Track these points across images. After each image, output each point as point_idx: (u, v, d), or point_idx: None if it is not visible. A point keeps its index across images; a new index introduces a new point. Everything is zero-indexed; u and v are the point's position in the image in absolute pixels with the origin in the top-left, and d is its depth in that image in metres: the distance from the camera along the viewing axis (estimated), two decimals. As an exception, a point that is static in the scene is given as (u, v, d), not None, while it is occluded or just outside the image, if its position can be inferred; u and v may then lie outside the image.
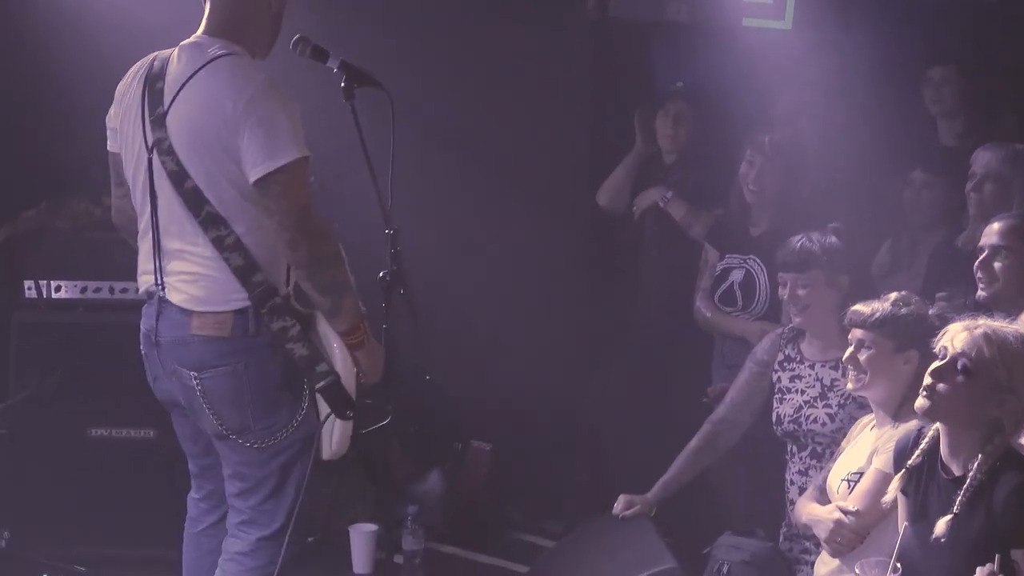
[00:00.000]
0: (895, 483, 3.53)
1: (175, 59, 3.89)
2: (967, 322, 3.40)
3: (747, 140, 5.42)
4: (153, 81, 3.88)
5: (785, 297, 4.70)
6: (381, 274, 3.93)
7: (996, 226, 4.26)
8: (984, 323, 3.38)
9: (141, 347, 4.04)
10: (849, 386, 4.12)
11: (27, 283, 5.55)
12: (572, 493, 6.45)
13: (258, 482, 3.93)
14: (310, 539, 5.85)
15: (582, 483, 6.44)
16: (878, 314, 4.03)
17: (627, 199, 6.13)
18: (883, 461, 3.84)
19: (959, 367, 3.31)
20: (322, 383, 3.81)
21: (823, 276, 4.61)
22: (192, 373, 3.83)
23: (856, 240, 4.87)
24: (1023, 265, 4.18)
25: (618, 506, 4.81)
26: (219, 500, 4.13)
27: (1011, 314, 3.90)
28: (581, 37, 6.68)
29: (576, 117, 6.65)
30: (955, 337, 3.35)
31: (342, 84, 4.03)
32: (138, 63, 4.03)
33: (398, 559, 5.41)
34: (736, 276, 5.45)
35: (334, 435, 3.94)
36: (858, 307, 4.11)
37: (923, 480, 3.46)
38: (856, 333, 4.06)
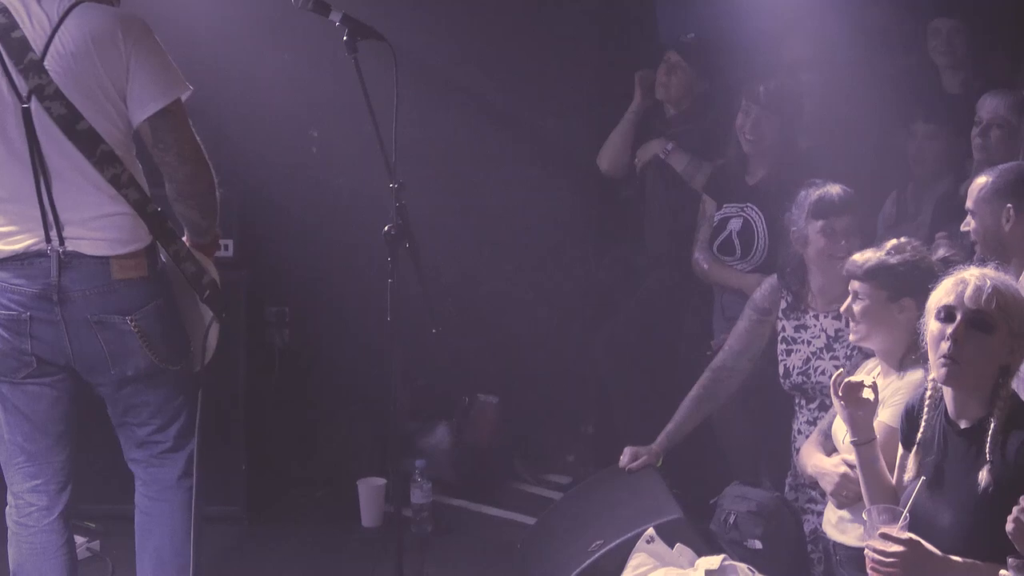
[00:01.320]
0: (911, 462, 3.51)
1: (22, 7, 3.82)
2: (965, 275, 3.35)
3: (743, 90, 5.41)
4: (3, 32, 3.79)
5: (841, 242, 4.54)
6: (386, 228, 3.93)
7: (970, 187, 4.23)
8: (984, 273, 3.34)
9: (15, 310, 3.86)
10: (852, 338, 4.12)
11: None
12: (578, 446, 6.47)
13: (178, 408, 4.09)
14: (319, 493, 5.93)
15: (588, 435, 6.46)
16: (870, 263, 4.00)
17: (627, 159, 6.10)
18: (889, 415, 3.83)
19: (980, 325, 3.27)
20: (207, 292, 4.08)
21: (856, 224, 4.59)
22: (127, 318, 3.89)
23: (860, 190, 4.85)
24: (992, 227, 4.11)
25: (624, 458, 4.83)
26: (59, 486, 4.12)
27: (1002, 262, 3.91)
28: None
29: (581, 71, 6.62)
30: (965, 294, 3.29)
31: (344, 38, 4.02)
32: None
33: (407, 512, 5.45)
34: (734, 225, 5.45)
35: (210, 339, 4.18)
36: (854, 257, 4.09)
37: (934, 436, 3.45)
38: (853, 284, 4.05)
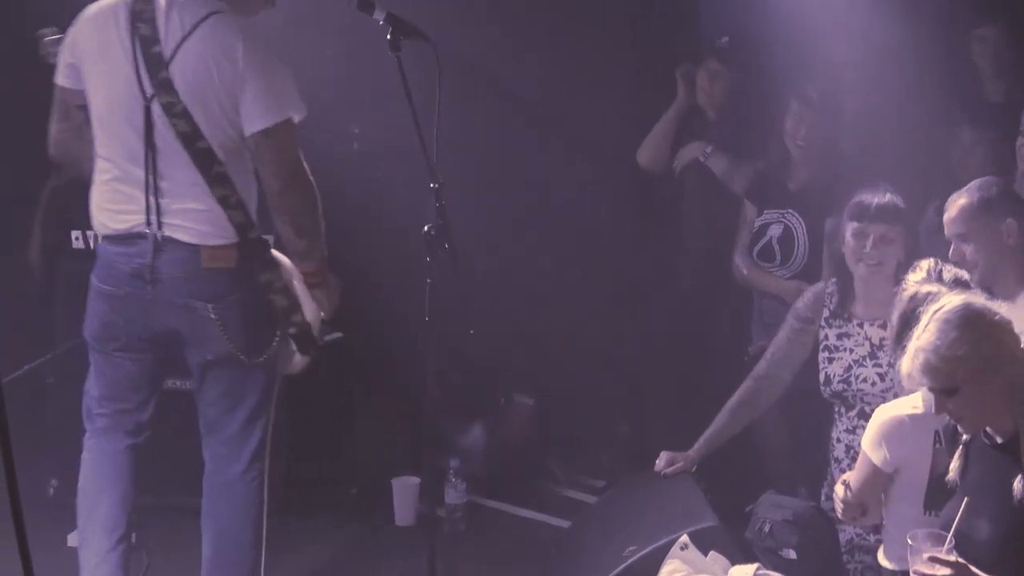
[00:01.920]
0: (954, 464, 3.48)
1: (164, 16, 4.03)
2: (909, 349, 3.33)
3: (790, 94, 5.37)
4: (140, 26, 4.03)
5: (867, 248, 4.53)
6: (426, 228, 3.93)
7: (951, 213, 4.20)
8: (919, 341, 3.30)
9: (112, 287, 4.16)
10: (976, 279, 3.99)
11: (74, 233, 5.58)
12: (613, 448, 6.45)
13: (249, 399, 4.26)
14: (353, 490, 5.93)
15: (623, 439, 6.44)
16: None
17: (667, 156, 6.08)
18: (867, 441, 3.83)
19: (948, 392, 3.27)
20: (294, 330, 4.23)
21: (905, 233, 4.55)
22: (209, 304, 4.07)
23: (902, 196, 4.82)
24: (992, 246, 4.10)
25: (660, 463, 4.80)
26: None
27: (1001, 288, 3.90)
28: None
29: (619, 67, 6.59)
30: (914, 368, 3.29)
31: (388, 36, 4.03)
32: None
33: (440, 511, 5.45)
34: (774, 231, 5.43)
35: (294, 363, 4.39)
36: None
37: (969, 453, 3.44)
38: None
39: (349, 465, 6.07)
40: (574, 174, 6.49)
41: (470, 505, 5.63)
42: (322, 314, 4.34)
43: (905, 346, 3.36)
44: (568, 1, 6.48)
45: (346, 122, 6.38)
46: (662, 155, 6.10)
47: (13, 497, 1.69)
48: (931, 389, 3.33)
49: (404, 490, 5.63)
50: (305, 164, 4.13)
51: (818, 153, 5.34)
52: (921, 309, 3.41)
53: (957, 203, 4.17)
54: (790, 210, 5.38)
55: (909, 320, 3.52)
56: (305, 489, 5.78)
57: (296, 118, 4.09)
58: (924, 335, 3.29)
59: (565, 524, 5.47)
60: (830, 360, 4.67)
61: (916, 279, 3.85)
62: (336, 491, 5.94)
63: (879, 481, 3.80)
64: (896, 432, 3.77)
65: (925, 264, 3.95)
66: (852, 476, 3.90)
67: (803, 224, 5.31)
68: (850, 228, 4.57)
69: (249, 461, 4.27)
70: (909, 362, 3.32)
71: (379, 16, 4.07)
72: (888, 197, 4.55)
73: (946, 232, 4.22)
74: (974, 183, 4.23)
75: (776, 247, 5.39)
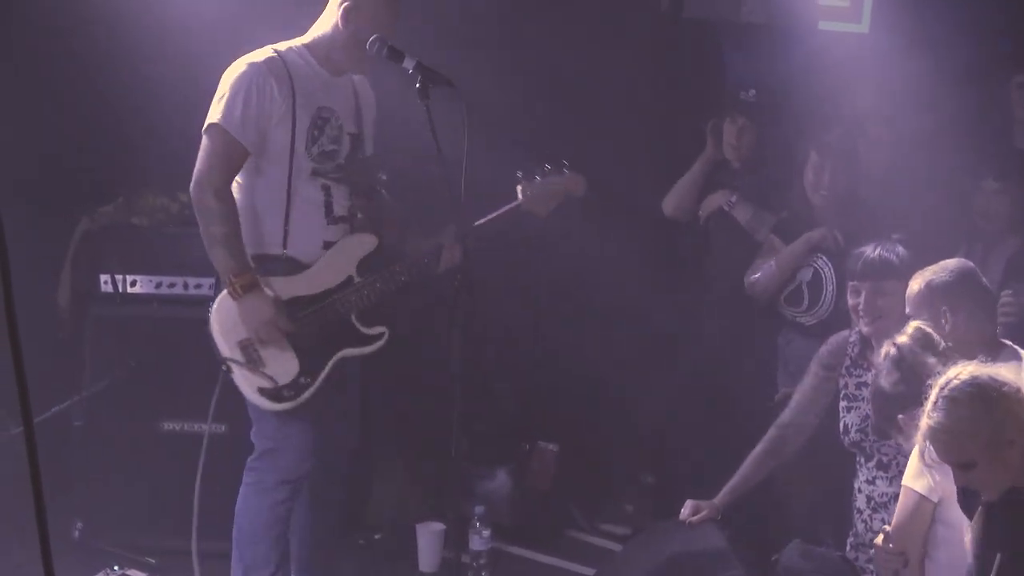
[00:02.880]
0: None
1: None
2: (924, 425, 3.35)
3: (811, 143, 5.40)
4: None
5: (860, 306, 4.64)
6: (451, 273, 3.95)
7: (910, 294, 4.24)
8: (930, 419, 3.32)
9: None
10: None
11: (103, 277, 5.62)
12: (637, 496, 6.43)
13: None
14: (378, 536, 5.92)
15: (647, 486, 6.42)
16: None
17: (692, 206, 6.10)
18: (909, 475, 3.83)
19: (966, 467, 3.30)
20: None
21: (900, 287, 4.55)
22: None
23: (927, 246, 4.82)
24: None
25: (685, 511, 4.79)
26: None
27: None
28: (654, 37, 6.65)
29: (646, 117, 6.63)
30: (928, 448, 3.36)
31: (417, 85, 4.07)
32: None
33: (465, 558, 5.43)
34: (804, 275, 5.45)
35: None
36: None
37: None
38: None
39: (374, 510, 6.05)
40: (599, 223, 6.49)
41: (494, 552, 5.61)
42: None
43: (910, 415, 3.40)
44: (598, 55, 6.51)
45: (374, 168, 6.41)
46: (688, 204, 6.12)
47: (43, 539, 1.70)
48: (952, 468, 3.34)
49: (429, 536, 5.61)
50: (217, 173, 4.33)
51: (839, 201, 5.35)
52: (928, 383, 3.42)
53: (911, 284, 4.25)
54: (821, 255, 5.39)
55: (906, 392, 3.64)
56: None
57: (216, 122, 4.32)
58: (935, 415, 3.30)
59: (589, 572, 5.46)
60: (848, 409, 4.66)
61: (901, 341, 3.94)
62: (361, 536, 5.93)
63: (923, 515, 3.75)
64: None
65: (911, 327, 4.00)
66: (892, 523, 3.88)
67: (832, 270, 5.32)
68: (848, 287, 4.69)
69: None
70: (922, 442, 3.35)
71: (408, 65, 4.12)
72: (878, 252, 4.61)
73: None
74: (942, 264, 4.27)
75: (805, 291, 5.40)
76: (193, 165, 4.37)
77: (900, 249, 4.64)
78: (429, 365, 5.77)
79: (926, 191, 5.45)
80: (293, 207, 4.44)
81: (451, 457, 4.32)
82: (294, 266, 4.46)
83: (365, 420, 6.15)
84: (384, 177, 6.44)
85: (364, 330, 4.58)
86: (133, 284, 5.63)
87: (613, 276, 6.57)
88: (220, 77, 4.39)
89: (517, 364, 6.02)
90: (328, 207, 4.52)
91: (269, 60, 4.38)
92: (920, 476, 3.78)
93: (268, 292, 4.37)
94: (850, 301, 4.69)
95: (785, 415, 4.86)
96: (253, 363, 4.40)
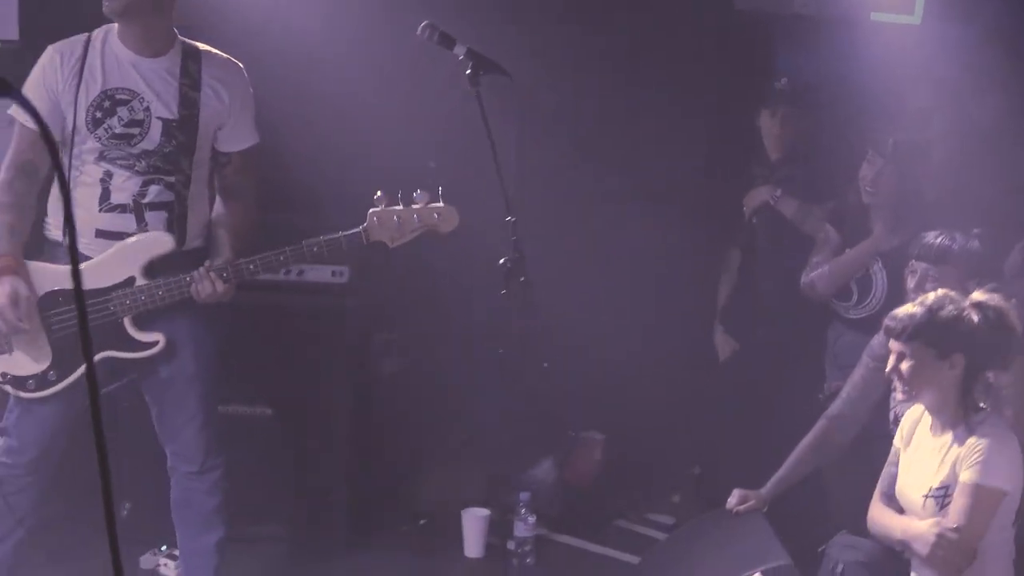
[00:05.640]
0: None
1: None
2: None
3: (868, 139, 5.35)
4: None
5: (912, 285, 4.60)
6: (502, 261, 3.95)
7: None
8: None
9: None
10: (898, 397, 4.02)
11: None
12: (683, 486, 6.42)
13: None
14: (422, 521, 5.94)
15: (693, 477, 6.41)
16: (913, 323, 3.87)
17: None
18: (973, 474, 3.76)
19: None
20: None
21: (955, 275, 4.50)
22: None
23: (992, 242, 4.77)
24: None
25: (732, 500, 4.77)
26: None
27: None
28: (706, 30, 6.63)
29: (697, 110, 6.61)
30: None
31: (468, 71, 4.07)
32: None
33: (510, 544, 5.45)
34: None
35: None
36: (894, 314, 3.95)
37: None
38: (894, 345, 3.94)
39: (420, 496, 6.08)
40: (650, 215, 6.49)
41: (539, 539, 5.62)
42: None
43: None
44: (649, 47, 6.50)
45: (422, 156, 6.43)
46: None
47: (109, 516, 1.71)
48: None
49: (474, 522, 5.63)
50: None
51: (891, 201, 5.30)
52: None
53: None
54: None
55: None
56: (375, 519, 5.81)
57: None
58: None
59: (634, 560, 5.45)
60: (898, 400, 4.63)
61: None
62: (406, 521, 5.95)
63: (998, 510, 3.73)
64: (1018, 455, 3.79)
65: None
66: (958, 519, 3.80)
67: (882, 265, 5.28)
68: (909, 265, 4.65)
69: None
70: None
71: (459, 51, 4.11)
72: (940, 239, 4.56)
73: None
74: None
75: (854, 286, 5.36)
76: None
77: (972, 243, 4.58)
78: (478, 352, 5.80)
79: (987, 182, 5.39)
80: (74, 191, 4.22)
81: (498, 443, 4.33)
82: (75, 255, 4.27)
83: (411, 408, 6.21)
84: (433, 165, 6.48)
85: (136, 335, 4.24)
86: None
87: (662, 266, 6.57)
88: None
89: (565, 353, 6.01)
90: (105, 193, 4.23)
91: (69, 41, 4.23)
92: (1011, 476, 3.76)
93: (16, 280, 4.12)
94: (908, 280, 4.65)
95: (835, 407, 4.83)
96: (1, 347, 4.18)
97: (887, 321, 3.97)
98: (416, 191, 4.22)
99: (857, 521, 4.90)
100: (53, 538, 4.98)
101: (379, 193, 4.17)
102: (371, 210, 4.20)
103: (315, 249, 4.20)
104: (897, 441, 4.16)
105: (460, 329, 6.07)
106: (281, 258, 4.20)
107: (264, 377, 5.55)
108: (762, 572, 4.21)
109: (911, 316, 3.88)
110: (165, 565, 5.14)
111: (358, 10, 5.24)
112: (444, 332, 6.23)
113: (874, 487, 5.02)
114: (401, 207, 4.22)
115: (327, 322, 5.56)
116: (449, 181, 6.31)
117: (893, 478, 4.12)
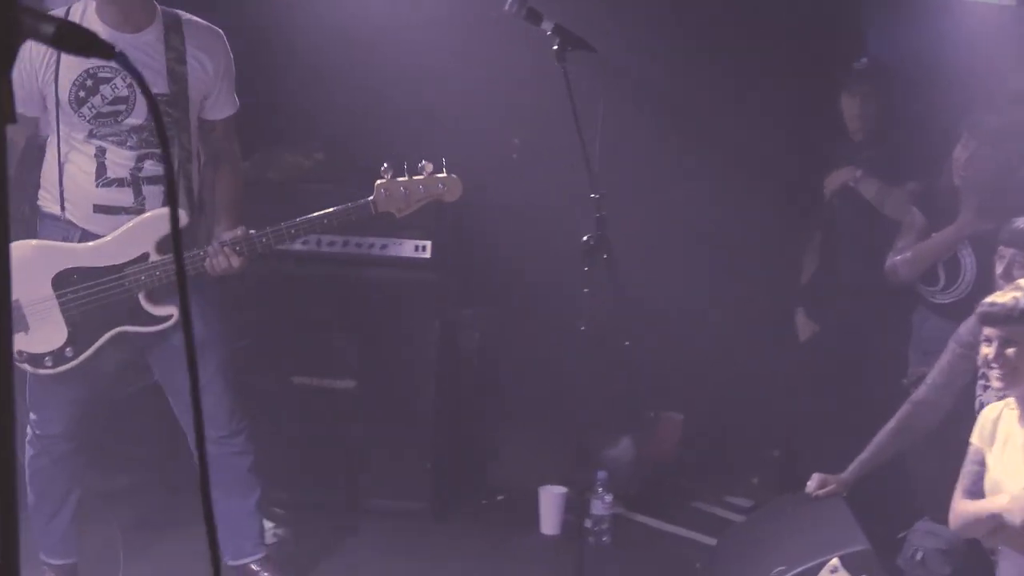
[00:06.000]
0: None
1: None
2: None
3: (964, 122, 5.26)
4: None
5: (1000, 271, 4.52)
6: (585, 238, 3.94)
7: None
8: None
9: None
10: (996, 384, 3.94)
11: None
12: (763, 469, 6.39)
13: None
14: (500, 497, 5.97)
15: (773, 459, 6.37)
16: (1019, 309, 3.79)
17: None
18: None
19: None
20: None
21: None
22: None
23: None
24: None
25: (811, 484, 4.74)
26: None
27: None
28: (794, 6, 6.55)
29: (782, 86, 6.54)
30: None
31: (555, 47, 4.05)
32: None
33: (587, 522, 5.44)
34: None
35: None
36: (992, 300, 3.88)
37: None
38: (992, 331, 3.85)
39: (498, 472, 6.10)
40: (734, 193, 6.44)
41: (616, 518, 5.62)
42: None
43: None
44: (736, 24, 6.43)
45: (507, 132, 6.43)
46: None
47: (204, 491, 1.72)
48: None
49: (551, 499, 5.64)
50: None
51: (984, 186, 5.20)
52: None
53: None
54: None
55: None
56: (455, 492, 5.85)
57: None
58: None
59: (711, 541, 5.43)
60: (986, 388, 4.55)
61: None
62: (484, 497, 5.97)
63: None
64: None
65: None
66: None
67: (972, 251, 5.19)
68: (998, 251, 4.57)
69: None
70: None
71: (547, 27, 4.09)
72: None
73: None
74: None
75: (941, 271, 5.28)
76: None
77: None
78: (559, 329, 5.79)
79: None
80: (65, 168, 4.26)
81: (577, 421, 4.33)
82: (74, 231, 4.29)
83: (491, 384, 6.23)
84: (517, 141, 6.48)
85: (151, 310, 4.28)
86: (268, 240, 5.70)
87: (744, 246, 6.52)
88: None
89: (646, 331, 5.99)
90: (101, 168, 4.24)
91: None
92: None
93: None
94: (998, 266, 4.57)
95: (919, 392, 4.77)
96: (17, 325, 4.17)
97: (983, 308, 3.90)
98: (421, 162, 4.25)
99: (939, 508, 4.84)
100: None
101: (385, 165, 4.20)
102: (377, 182, 4.23)
103: (325, 221, 4.26)
104: (976, 440, 4.07)
105: (542, 306, 6.06)
106: (293, 231, 4.25)
107: (348, 351, 5.59)
108: (840, 557, 4.17)
109: (1016, 301, 3.81)
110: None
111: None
112: (527, 309, 6.23)
113: (957, 474, 4.97)
114: (407, 178, 4.25)
115: (411, 297, 5.58)
116: (532, 157, 6.37)
117: (977, 476, 4.05)
